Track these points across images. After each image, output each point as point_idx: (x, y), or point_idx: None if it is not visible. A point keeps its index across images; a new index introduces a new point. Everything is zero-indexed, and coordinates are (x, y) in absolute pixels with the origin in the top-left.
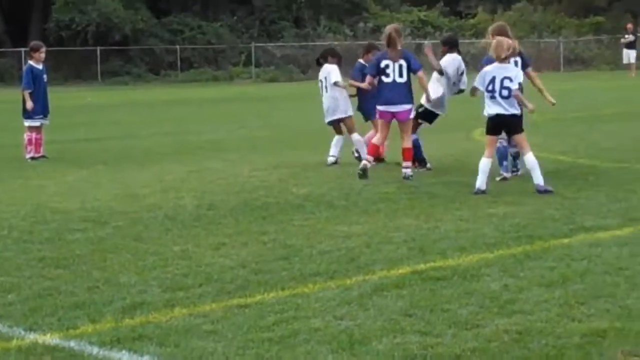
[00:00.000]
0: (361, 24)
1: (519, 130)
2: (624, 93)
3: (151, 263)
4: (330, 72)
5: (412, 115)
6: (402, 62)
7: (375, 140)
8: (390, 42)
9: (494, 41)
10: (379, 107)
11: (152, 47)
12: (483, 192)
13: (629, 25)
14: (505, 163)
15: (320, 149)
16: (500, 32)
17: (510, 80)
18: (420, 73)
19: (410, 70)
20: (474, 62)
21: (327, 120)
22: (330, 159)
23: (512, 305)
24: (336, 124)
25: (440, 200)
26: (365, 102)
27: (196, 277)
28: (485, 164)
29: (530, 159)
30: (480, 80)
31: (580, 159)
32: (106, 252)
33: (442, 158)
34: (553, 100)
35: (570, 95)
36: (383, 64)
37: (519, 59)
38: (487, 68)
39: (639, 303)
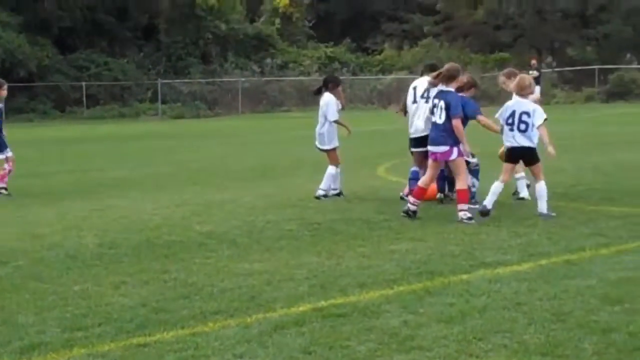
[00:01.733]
0: (268, 60)
1: (535, 161)
2: None
3: (50, 303)
4: (328, 104)
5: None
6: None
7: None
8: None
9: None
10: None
11: (57, 84)
12: (488, 211)
13: (533, 62)
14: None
15: (224, 186)
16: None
17: (528, 115)
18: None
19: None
20: (380, 98)
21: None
22: (332, 192)
23: (411, 341)
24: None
25: (343, 237)
26: None
27: (95, 317)
28: (497, 187)
29: (541, 186)
30: (501, 113)
31: (481, 194)
32: (5, 292)
33: (347, 194)
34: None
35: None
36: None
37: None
38: (508, 103)
39: (536, 338)
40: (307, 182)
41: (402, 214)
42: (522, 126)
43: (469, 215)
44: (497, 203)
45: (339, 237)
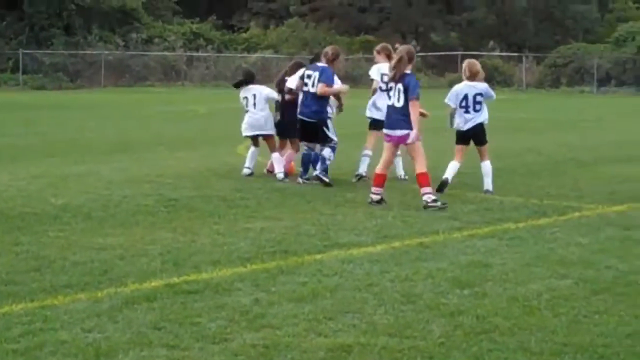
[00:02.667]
0: (133, 35)
1: (485, 141)
2: None
3: None
4: (262, 90)
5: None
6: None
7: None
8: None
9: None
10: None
11: None
12: (447, 182)
13: (397, 45)
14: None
15: (82, 159)
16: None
17: (482, 95)
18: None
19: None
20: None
21: (249, 134)
22: (246, 171)
23: (261, 319)
24: (255, 138)
25: (199, 214)
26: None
27: None
28: (454, 164)
29: (487, 165)
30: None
31: (342, 176)
32: None
33: (204, 171)
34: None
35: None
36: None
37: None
38: (457, 87)
39: (385, 319)
40: (166, 158)
41: (369, 204)
42: (478, 107)
43: (433, 197)
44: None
45: (195, 214)
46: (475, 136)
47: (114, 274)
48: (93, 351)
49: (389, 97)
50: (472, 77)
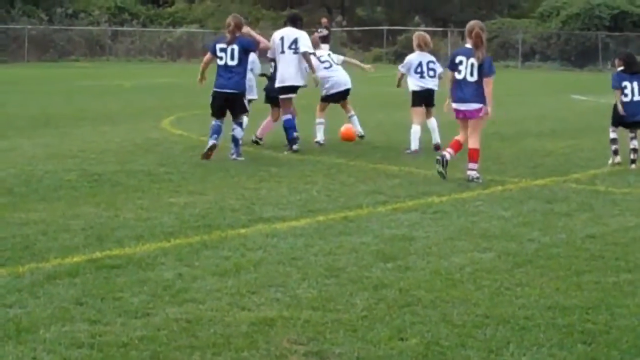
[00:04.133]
0: (57, 9)
1: (434, 103)
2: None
3: None
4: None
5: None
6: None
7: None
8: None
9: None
10: (452, 105)
11: None
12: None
13: (324, 20)
14: (215, 135)
15: (4, 134)
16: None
17: (434, 63)
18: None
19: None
20: (170, 51)
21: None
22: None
23: (184, 294)
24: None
25: (123, 188)
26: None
27: None
28: (416, 130)
29: (433, 121)
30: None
31: (265, 150)
32: None
33: (128, 146)
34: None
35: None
36: (457, 59)
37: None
38: (412, 57)
39: (308, 292)
40: (89, 133)
41: (437, 160)
42: (431, 73)
43: (477, 174)
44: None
45: (119, 188)
46: (428, 98)
47: (36, 249)
48: (14, 326)
49: (458, 72)
50: (424, 47)
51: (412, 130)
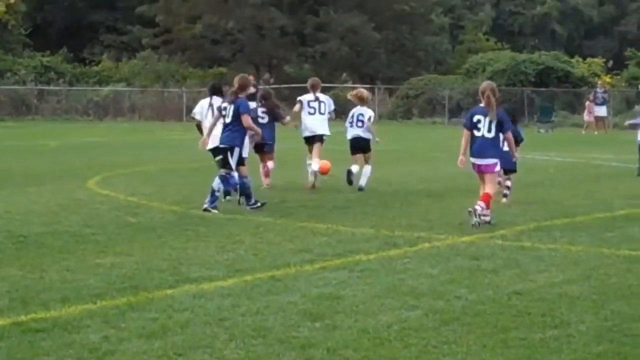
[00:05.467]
0: None
1: (369, 149)
2: None
3: None
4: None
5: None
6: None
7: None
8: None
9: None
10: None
11: None
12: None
13: (251, 77)
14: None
15: None
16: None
17: (363, 116)
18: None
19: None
20: (96, 109)
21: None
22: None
23: (110, 356)
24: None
25: (48, 250)
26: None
27: None
28: (355, 168)
29: (369, 168)
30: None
31: (192, 209)
32: None
33: (54, 207)
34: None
35: (191, 145)
36: (475, 118)
37: None
38: (353, 110)
39: (236, 353)
40: (14, 194)
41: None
42: (359, 124)
43: (489, 218)
44: None
45: (44, 250)
46: (362, 145)
47: None
48: None
49: (478, 129)
50: (359, 101)
51: (352, 168)
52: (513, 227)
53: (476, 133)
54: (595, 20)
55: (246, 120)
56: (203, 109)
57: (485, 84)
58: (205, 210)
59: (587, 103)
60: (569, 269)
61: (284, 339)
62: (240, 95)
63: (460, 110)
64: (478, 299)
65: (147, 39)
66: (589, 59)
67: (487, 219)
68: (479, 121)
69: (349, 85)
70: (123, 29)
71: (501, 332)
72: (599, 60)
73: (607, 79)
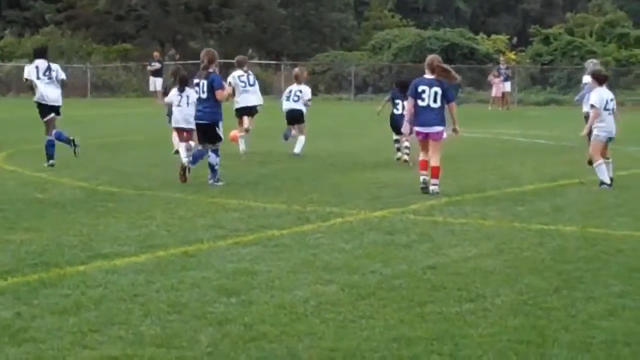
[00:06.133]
0: None
1: (303, 120)
2: (150, 120)
3: None
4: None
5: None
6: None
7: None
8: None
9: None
10: (415, 128)
11: None
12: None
13: (156, 54)
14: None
15: None
16: None
17: (301, 92)
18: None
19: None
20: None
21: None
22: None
23: (24, 333)
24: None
25: None
26: None
27: None
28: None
29: (302, 137)
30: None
31: (100, 185)
32: None
33: None
34: None
35: (97, 121)
36: (420, 88)
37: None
38: (291, 86)
39: (152, 329)
40: None
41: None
42: (296, 98)
43: (438, 190)
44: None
45: None
46: (298, 117)
47: None
48: None
49: (422, 99)
50: (295, 80)
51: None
52: (425, 201)
53: (420, 103)
54: None
55: (220, 94)
56: (31, 72)
57: (431, 57)
58: (213, 185)
59: (491, 79)
60: (481, 243)
61: (200, 315)
62: (210, 70)
63: (367, 86)
64: (393, 273)
65: (51, 14)
66: (493, 36)
67: (437, 188)
68: (423, 91)
69: (255, 61)
70: (25, 5)
71: (417, 306)
72: (503, 37)
73: (512, 55)
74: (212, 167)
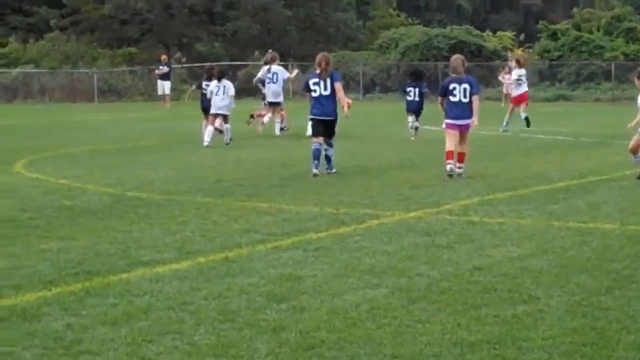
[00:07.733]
0: None
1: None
2: (160, 124)
3: None
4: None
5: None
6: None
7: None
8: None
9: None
10: (447, 121)
11: None
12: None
13: (164, 57)
14: (316, 162)
15: None
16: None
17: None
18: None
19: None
20: (5, 92)
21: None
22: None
23: (78, 345)
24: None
25: None
26: None
27: None
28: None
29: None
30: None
31: (128, 191)
32: None
33: None
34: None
35: (108, 126)
36: (451, 86)
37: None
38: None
39: (207, 339)
40: None
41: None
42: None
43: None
44: None
45: None
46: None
47: None
48: None
49: (453, 95)
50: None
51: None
52: (457, 201)
53: (452, 99)
54: None
55: (339, 86)
56: None
57: (455, 57)
58: (330, 173)
59: (502, 76)
60: (523, 243)
61: (254, 323)
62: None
63: (375, 86)
64: (441, 275)
65: (55, 19)
66: (499, 33)
67: (461, 171)
68: (454, 88)
69: (261, 63)
70: (29, 11)
71: (472, 309)
72: (509, 34)
73: (520, 52)
74: (328, 158)
